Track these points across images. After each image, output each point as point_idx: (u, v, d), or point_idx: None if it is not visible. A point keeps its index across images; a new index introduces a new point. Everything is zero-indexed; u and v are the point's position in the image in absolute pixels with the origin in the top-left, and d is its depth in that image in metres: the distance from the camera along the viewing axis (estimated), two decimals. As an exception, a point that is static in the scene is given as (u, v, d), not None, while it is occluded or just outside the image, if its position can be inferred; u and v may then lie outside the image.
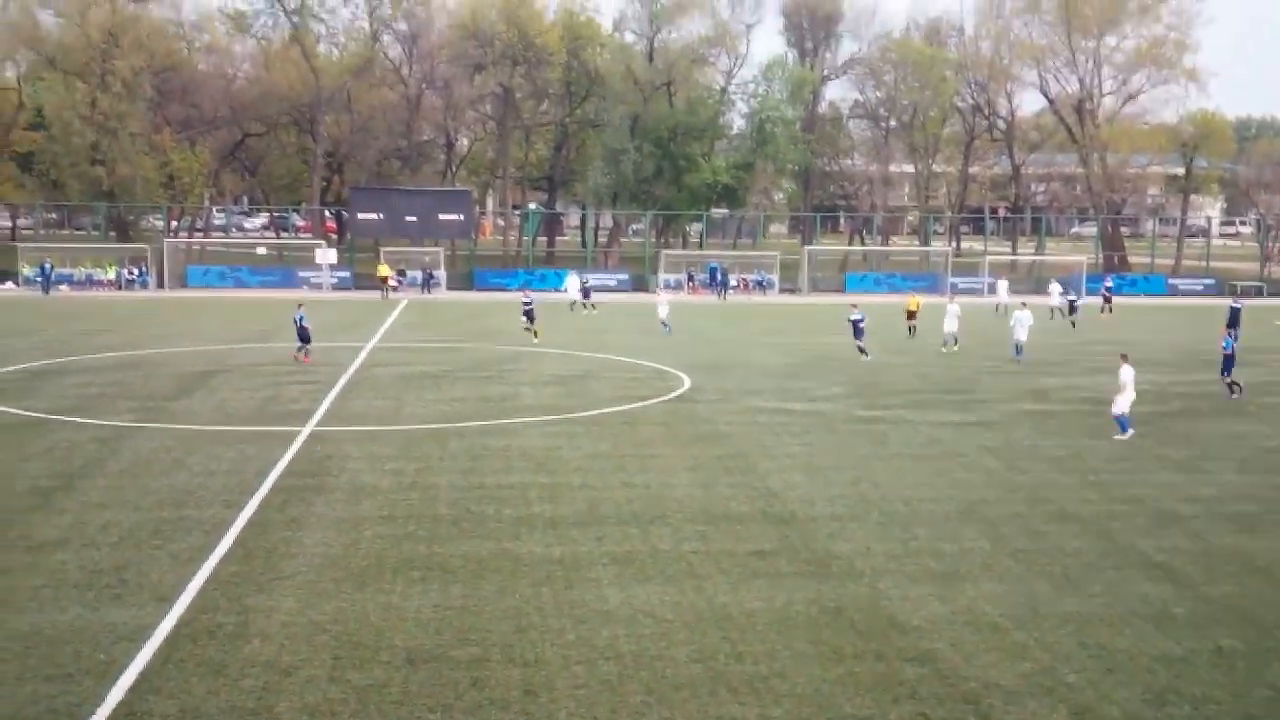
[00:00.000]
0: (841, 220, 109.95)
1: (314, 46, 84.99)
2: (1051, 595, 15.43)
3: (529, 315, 45.32)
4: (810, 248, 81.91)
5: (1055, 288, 58.89)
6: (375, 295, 67.10)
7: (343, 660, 12.85)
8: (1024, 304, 42.52)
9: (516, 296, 68.83)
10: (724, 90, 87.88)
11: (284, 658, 12.87)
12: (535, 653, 13.16)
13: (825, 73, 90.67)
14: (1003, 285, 62.47)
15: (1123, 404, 25.95)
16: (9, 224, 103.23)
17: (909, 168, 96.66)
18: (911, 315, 48.03)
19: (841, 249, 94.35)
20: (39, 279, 67.74)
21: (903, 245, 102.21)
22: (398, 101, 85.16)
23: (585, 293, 60.70)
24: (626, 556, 16.72)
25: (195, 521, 18.09)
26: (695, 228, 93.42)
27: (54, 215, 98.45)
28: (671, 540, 17.56)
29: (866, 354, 39.22)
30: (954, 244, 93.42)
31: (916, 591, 15.42)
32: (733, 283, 74.12)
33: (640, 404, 29.96)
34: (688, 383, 33.67)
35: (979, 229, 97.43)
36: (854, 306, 41.21)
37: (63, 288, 68.45)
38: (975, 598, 15.22)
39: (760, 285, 75.76)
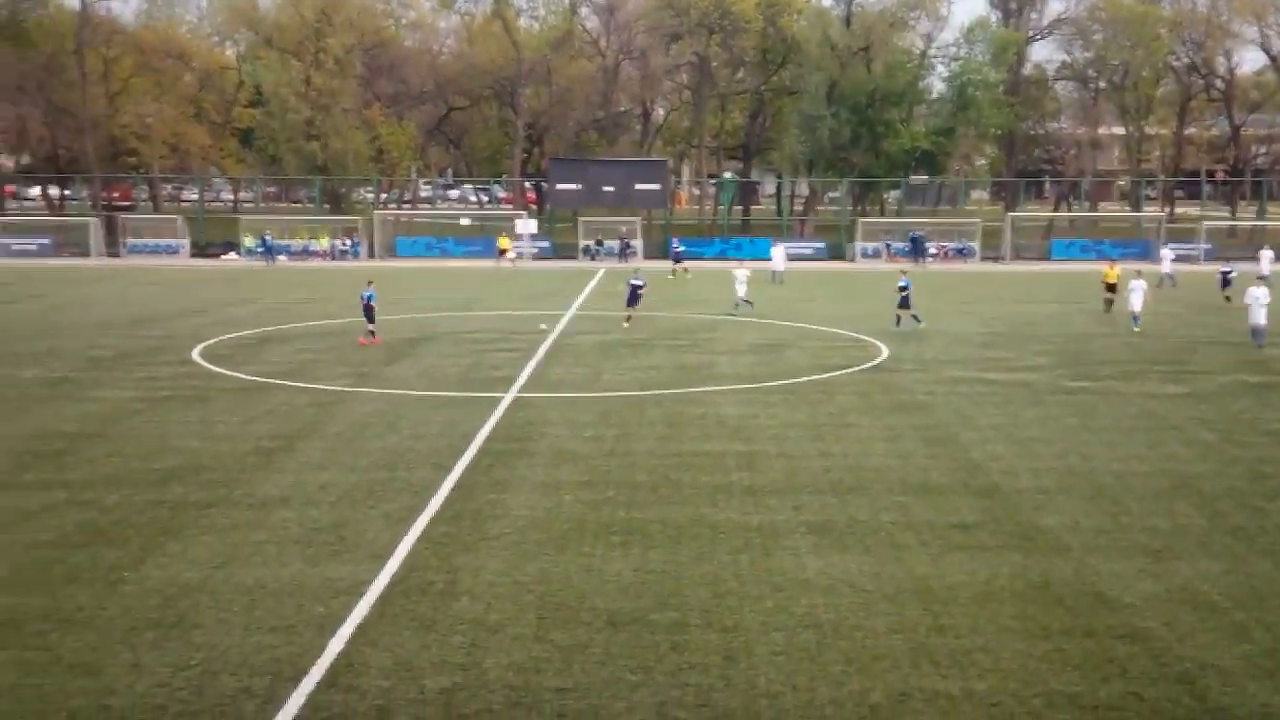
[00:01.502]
0: (1046, 186, 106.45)
1: (515, 20, 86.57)
2: (1274, 575, 14.73)
3: (634, 297, 39.20)
4: (1013, 214, 79.60)
5: (1167, 253, 56.31)
6: (575, 264, 68.15)
7: (547, 620, 13.19)
8: (1139, 272, 39.89)
9: (715, 265, 69.26)
10: (924, 54, 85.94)
11: (491, 616, 13.30)
12: (734, 619, 13.27)
13: (1030, 33, 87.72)
14: (1266, 256, 55.58)
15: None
16: (231, 197, 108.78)
17: (1119, 130, 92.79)
18: (1111, 288, 43.08)
19: (1047, 215, 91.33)
20: (260, 249, 71.12)
21: (1113, 211, 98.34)
22: (595, 73, 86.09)
23: (677, 258, 61.65)
24: (824, 526, 16.68)
25: (406, 483, 18.80)
26: (893, 195, 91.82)
27: (272, 188, 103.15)
28: (870, 510, 17.42)
29: (919, 319, 38.36)
30: (1168, 209, 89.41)
31: (1127, 568, 14.93)
32: (932, 250, 72.70)
33: (837, 373, 29.72)
34: (886, 352, 33.23)
35: (1194, 194, 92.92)
36: (903, 273, 40.02)
37: (281, 258, 71.68)
38: (1190, 576, 14.66)
39: (961, 253, 74.04)
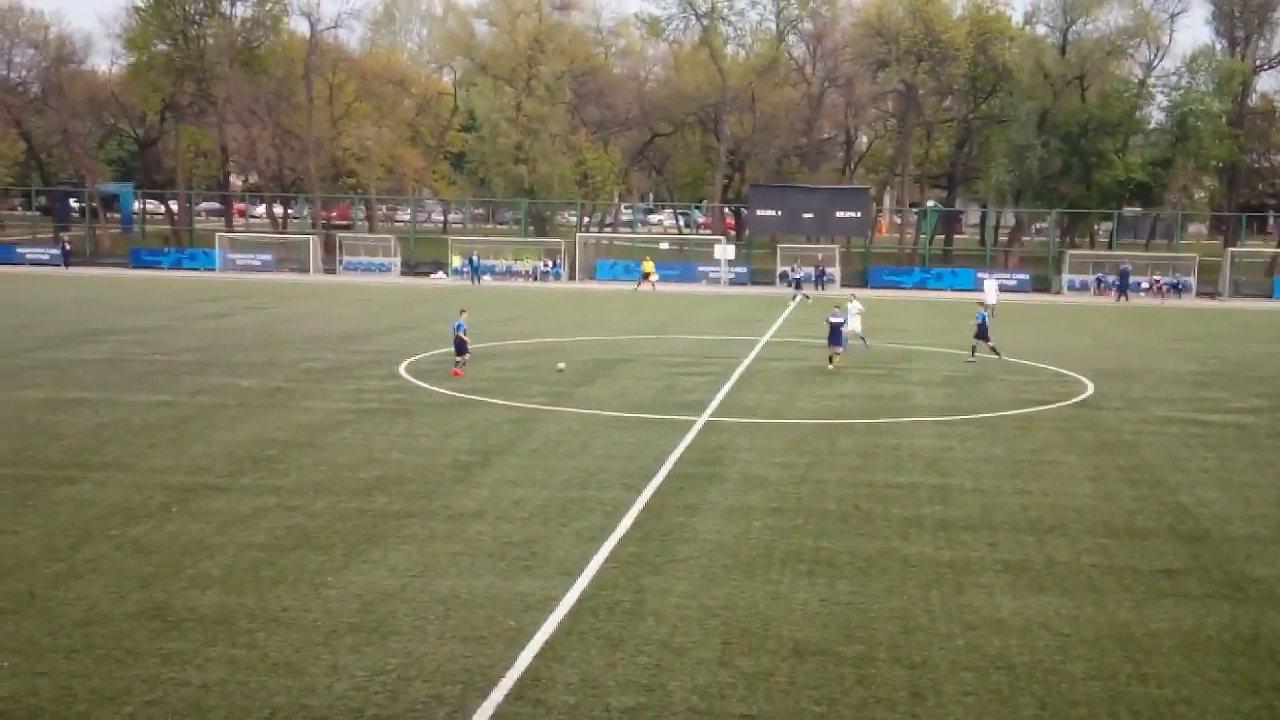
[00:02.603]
0: (1271, 221, 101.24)
1: (722, 48, 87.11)
2: None
3: (836, 334, 35.50)
4: (1234, 250, 76.00)
5: None
6: (773, 291, 68.03)
7: (732, 646, 13.18)
8: None
9: (913, 295, 68.24)
10: (1142, 83, 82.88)
11: (676, 638, 13.36)
12: (923, 655, 13.02)
13: (1257, 63, 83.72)
14: None
15: None
16: (441, 218, 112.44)
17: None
18: None
19: (1270, 251, 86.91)
20: (467, 269, 73.28)
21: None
22: (799, 100, 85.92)
23: (797, 284, 61.87)
24: (1021, 565, 16.22)
25: (597, 502, 19.07)
26: (1104, 227, 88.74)
27: (480, 210, 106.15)
28: (1069, 552, 16.86)
29: (998, 353, 37.38)
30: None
31: (1348, 627, 14.08)
32: (1145, 285, 70.11)
33: (1038, 408, 28.87)
34: (1090, 388, 32.13)
35: None
36: (981, 305, 39.16)
37: (486, 278, 73.69)
38: None
39: (1175, 288, 71.07)
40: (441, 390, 29.74)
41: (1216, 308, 65.55)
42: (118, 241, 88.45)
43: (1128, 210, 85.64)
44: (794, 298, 59.86)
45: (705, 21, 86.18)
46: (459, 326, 32.68)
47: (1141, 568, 16.21)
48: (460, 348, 32.58)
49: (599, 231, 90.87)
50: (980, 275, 67.27)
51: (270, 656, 12.63)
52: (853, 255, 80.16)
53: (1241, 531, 18.05)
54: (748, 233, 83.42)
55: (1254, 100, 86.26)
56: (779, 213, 74.38)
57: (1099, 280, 71.77)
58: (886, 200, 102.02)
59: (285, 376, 31.72)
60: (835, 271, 73.79)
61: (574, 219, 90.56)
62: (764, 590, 14.99)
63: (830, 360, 35.11)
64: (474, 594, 14.66)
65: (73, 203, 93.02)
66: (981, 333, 37.25)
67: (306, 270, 77.17)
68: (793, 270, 72.42)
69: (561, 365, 33.18)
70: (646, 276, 69.55)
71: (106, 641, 12.93)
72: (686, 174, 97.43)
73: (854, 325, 39.41)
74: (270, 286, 65.41)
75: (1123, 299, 67.20)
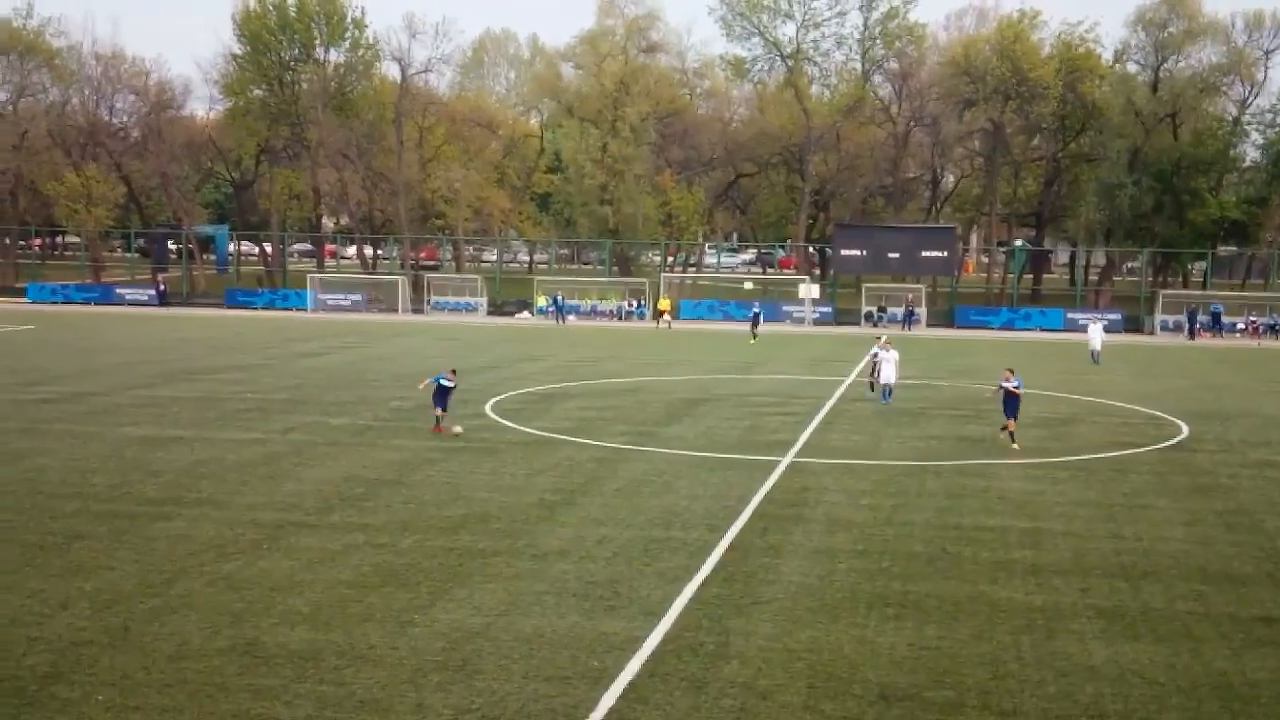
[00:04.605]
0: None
1: (807, 88, 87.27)
2: None
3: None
4: (1333, 289, 74.14)
5: None
6: (858, 331, 67.64)
7: (817, 690, 13.05)
8: None
9: (1001, 335, 67.41)
10: (1236, 120, 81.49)
11: (761, 681, 13.26)
12: (1014, 703, 12.78)
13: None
14: None
15: None
16: (527, 258, 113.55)
17: None
18: None
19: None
20: (552, 309, 73.90)
21: None
22: (885, 139, 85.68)
23: (755, 320, 61.16)
24: (1114, 611, 15.87)
25: (681, 542, 19.03)
26: (1198, 266, 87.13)
27: (565, 250, 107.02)
28: (1165, 598, 16.47)
29: (1014, 439, 28.27)
30: None
31: None
32: (1240, 325, 68.80)
33: (1132, 451, 28.30)
34: (1185, 431, 31.44)
35: None
36: (1010, 372, 29.59)
37: (571, 317, 74.19)
38: None
39: (1272, 329, 69.43)
40: (527, 430, 29.94)
41: (1317, 348, 63.80)
42: (213, 282, 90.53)
43: (1222, 249, 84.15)
44: (753, 337, 60.01)
45: (790, 63, 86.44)
46: (440, 380, 29.23)
47: (1239, 615, 15.79)
48: (438, 402, 29.20)
49: (684, 271, 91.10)
50: (1083, 320, 65.68)
51: (357, 694, 12.75)
52: (939, 295, 79.45)
53: (1345, 579, 17.51)
54: (832, 271, 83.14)
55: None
56: (864, 252, 74.12)
57: (1193, 320, 70.35)
58: (973, 239, 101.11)
59: (374, 415, 32.15)
60: (922, 312, 73.18)
61: (658, 259, 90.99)
62: (849, 634, 14.83)
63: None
64: (558, 633, 14.69)
65: (170, 244, 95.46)
66: (1010, 408, 28.76)
67: (395, 310, 78.29)
68: (877, 309, 71.93)
69: (458, 429, 28.13)
70: (661, 314, 70.17)
71: (198, 676, 13.15)
72: (770, 213, 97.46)
73: (887, 375, 35.55)
74: (360, 326, 66.43)
75: (1194, 336, 66.47)
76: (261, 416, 31.43)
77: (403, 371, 42.59)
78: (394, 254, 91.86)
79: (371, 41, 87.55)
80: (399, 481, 23.46)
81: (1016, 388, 28.67)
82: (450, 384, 29.34)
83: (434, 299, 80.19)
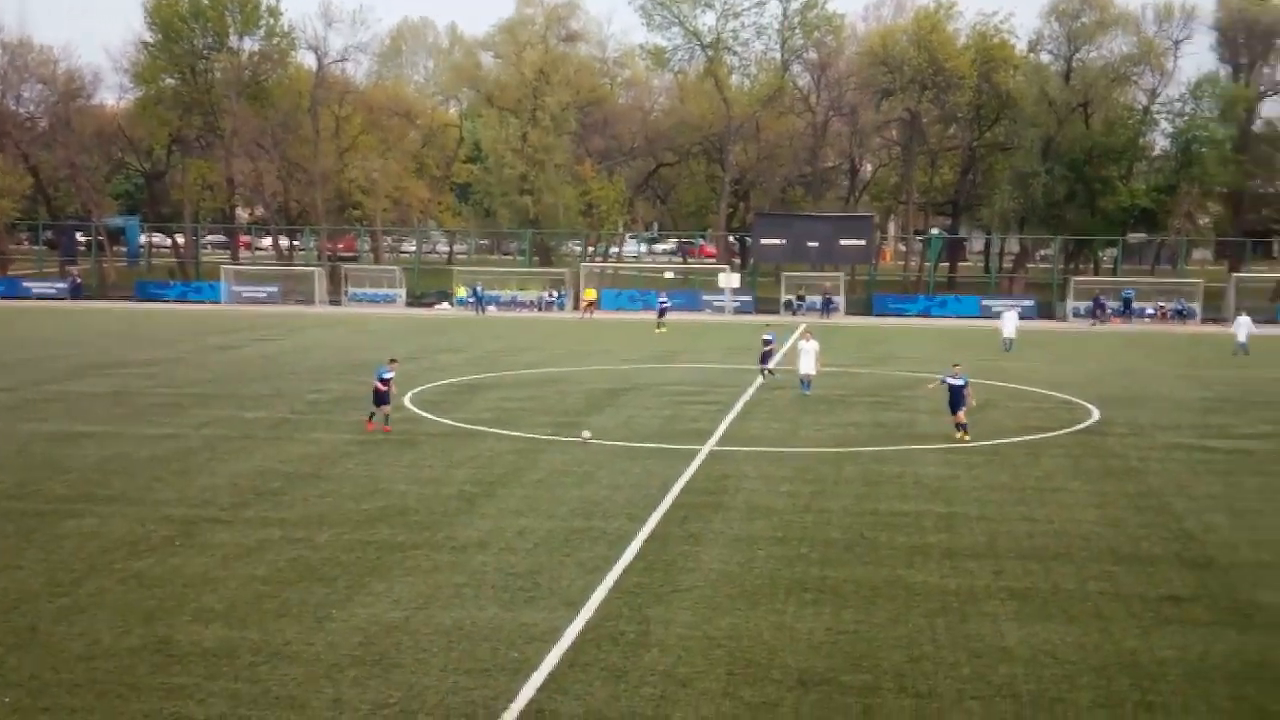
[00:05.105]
0: (1275, 246, 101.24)
1: (727, 78, 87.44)
2: None
3: (766, 357, 38.14)
4: (1239, 275, 75.94)
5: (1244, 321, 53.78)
6: (778, 319, 68.12)
7: (736, 676, 13.13)
8: None
9: (918, 322, 68.22)
10: (1146, 110, 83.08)
11: (680, 669, 13.31)
12: (929, 685, 12.95)
13: (1262, 89, 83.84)
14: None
15: None
16: (446, 248, 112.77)
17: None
18: None
19: (1275, 276, 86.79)
20: (471, 300, 73.45)
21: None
22: (804, 129, 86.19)
23: (662, 311, 60.58)
24: (1026, 593, 16.15)
25: (601, 532, 19.03)
26: (1109, 253, 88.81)
27: (485, 241, 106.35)
28: (1076, 579, 16.79)
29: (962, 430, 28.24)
30: None
31: (1356, 653, 14.00)
32: (1150, 311, 70.42)
33: (1045, 435, 28.81)
34: (1096, 415, 32.07)
35: None
36: (957, 367, 29.72)
37: (491, 308, 73.81)
38: None
39: (1180, 314, 71.05)
40: (447, 421, 29.74)
41: (1222, 333, 65.35)
42: (124, 275, 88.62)
43: (1132, 236, 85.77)
44: (659, 326, 59.51)
45: (710, 52, 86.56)
46: (382, 373, 28.29)
47: (1148, 594, 16.14)
48: (379, 399, 28.03)
49: (603, 261, 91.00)
50: (998, 307, 66.53)
51: (272, 691, 12.59)
52: (857, 283, 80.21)
53: (1248, 558, 17.97)
54: (752, 261, 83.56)
55: (1259, 126, 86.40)
56: (784, 241, 74.48)
57: (1101, 305, 71.69)
58: (891, 228, 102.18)
59: (290, 408, 31.75)
60: (841, 300, 73.82)
61: (578, 249, 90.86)
62: (768, 620, 14.93)
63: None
64: (478, 625, 14.62)
65: (79, 236, 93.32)
66: (955, 402, 28.44)
67: (312, 302, 77.31)
68: (796, 299, 72.37)
69: (587, 434, 27.60)
70: (589, 305, 70.06)
71: (108, 676, 12.90)
72: (691, 203, 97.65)
73: (806, 367, 35.37)
74: (276, 319, 65.51)
75: (1096, 324, 67.79)
76: (175, 411, 30.89)
77: (320, 364, 42.10)
78: (310, 245, 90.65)
79: (286, 30, 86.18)
80: (316, 475, 23.20)
81: (961, 384, 28.33)
82: (390, 374, 28.36)
83: (352, 290, 79.31)
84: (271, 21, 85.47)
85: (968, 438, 27.58)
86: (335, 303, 78.19)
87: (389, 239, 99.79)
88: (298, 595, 15.71)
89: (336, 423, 29.42)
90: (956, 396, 28.33)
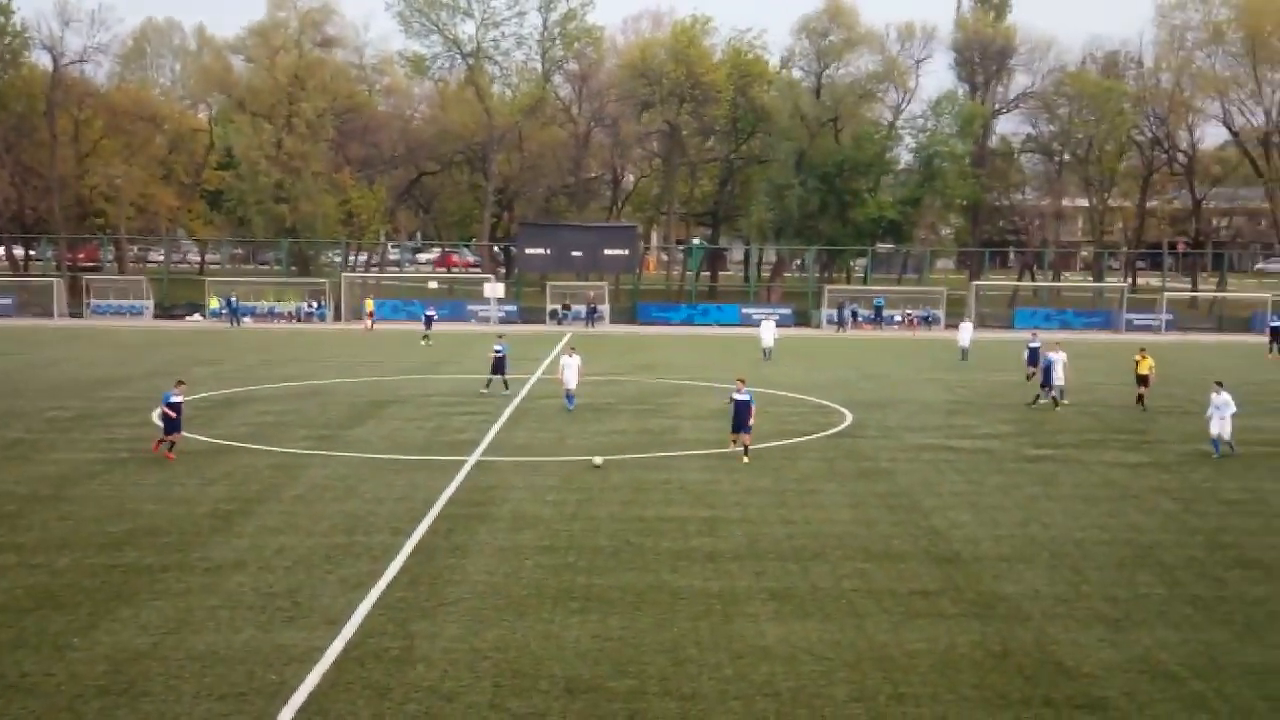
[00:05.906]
0: (1011, 256, 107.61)
1: (488, 87, 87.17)
2: (1232, 645, 14.75)
3: (499, 367, 37.64)
4: (978, 283, 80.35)
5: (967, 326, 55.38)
6: (544, 329, 68.19)
7: (503, 688, 13.02)
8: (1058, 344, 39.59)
9: (681, 331, 69.46)
10: (892, 125, 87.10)
11: (446, 684, 13.11)
12: (693, 686, 13.13)
13: (996, 106, 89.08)
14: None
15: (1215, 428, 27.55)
16: (198, 258, 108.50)
17: (1082, 202, 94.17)
18: (1143, 381, 36.18)
19: (1011, 284, 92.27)
20: (225, 311, 70.85)
21: (1075, 281, 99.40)
22: (567, 139, 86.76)
23: (428, 322, 60.38)
24: (785, 592, 16.59)
25: (365, 547, 18.60)
26: (860, 263, 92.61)
27: (239, 250, 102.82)
28: (831, 578, 17.35)
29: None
30: (1129, 280, 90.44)
31: (1087, 636, 14.91)
32: (898, 318, 73.84)
33: (801, 439, 29.73)
34: (849, 418, 33.30)
35: (1156, 264, 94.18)
36: (741, 383, 27.69)
37: (246, 320, 71.37)
38: (1150, 645, 14.64)
39: (925, 321, 74.67)
40: (200, 437, 28.54)
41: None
42: None
43: (881, 246, 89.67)
44: (424, 338, 58.22)
45: (470, 61, 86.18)
46: (169, 398, 26.20)
47: (899, 590, 16.81)
48: (170, 426, 25.91)
49: (365, 271, 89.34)
50: (758, 315, 68.16)
51: (7, 728, 11.79)
52: (622, 292, 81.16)
53: (990, 552, 18.94)
54: (517, 270, 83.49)
55: (994, 142, 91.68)
56: (548, 251, 74.70)
57: (854, 313, 74.48)
58: (654, 238, 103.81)
59: (26, 427, 29.91)
60: (606, 309, 74.50)
61: (339, 258, 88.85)
62: (536, 630, 14.88)
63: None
64: (233, 649, 14.06)
65: None
66: (740, 419, 26.96)
67: (51, 315, 73.12)
68: (562, 308, 72.54)
69: (598, 461, 25.81)
70: (370, 315, 69.07)
71: None
72: (455, 212, 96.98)
73: (569, 380, 34.36)
74: (10, 332, 61.64)
75: (842, 330, 70.73)
76: (-105, 432, 28.67)
77: (59, 380, 39.84)
78: (48, 255, 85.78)
79: (19, 29, 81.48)
80: (56, 497, 21.91)
81: (747, 399, 26.65)
82: (178, 398, 26.23)
83: (94, 302, 75.36)
84: (2, 20, 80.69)
85: (746, 459, 26.29)
86: (76, 315, 74.13)
87: (135, 248, 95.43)
88: (36, 624, 14.78)
89: (78, 441, 27.87)
90: (742, 412, 26.64)
